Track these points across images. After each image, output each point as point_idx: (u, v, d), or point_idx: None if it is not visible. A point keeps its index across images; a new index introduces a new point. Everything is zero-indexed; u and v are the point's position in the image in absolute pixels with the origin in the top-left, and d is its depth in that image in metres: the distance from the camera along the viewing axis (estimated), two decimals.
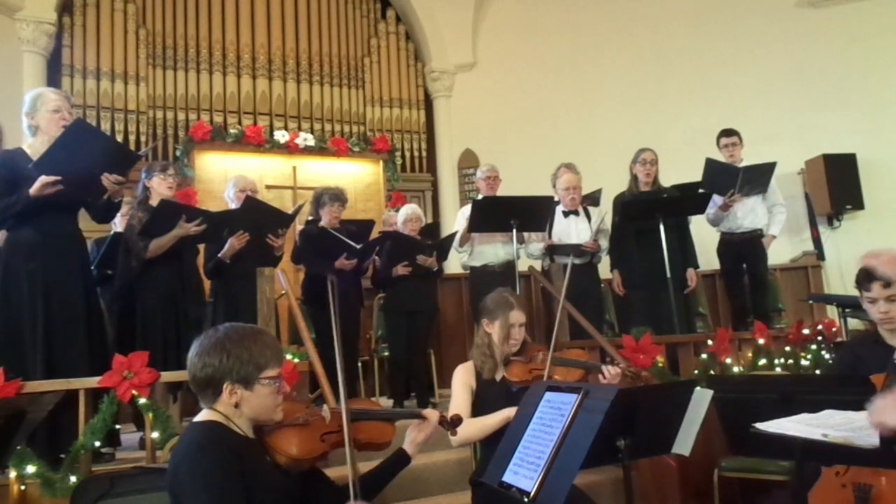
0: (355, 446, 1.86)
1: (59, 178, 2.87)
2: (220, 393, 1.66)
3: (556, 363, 2.60)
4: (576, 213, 4.76)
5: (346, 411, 1.86)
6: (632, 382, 2.76)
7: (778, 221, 5.09)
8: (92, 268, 4.09)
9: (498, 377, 2.57)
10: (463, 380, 2.56)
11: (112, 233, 4.25)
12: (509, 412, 2.36)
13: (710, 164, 4.85)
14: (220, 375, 1.65)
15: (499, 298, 2.62)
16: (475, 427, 2.43)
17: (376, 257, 4.72)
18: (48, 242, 3.03)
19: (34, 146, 3.04)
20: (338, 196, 4.58)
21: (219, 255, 3.97)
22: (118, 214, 3.78)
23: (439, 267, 4.81)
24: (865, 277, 2.43)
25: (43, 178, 2.85)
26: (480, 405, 2.49)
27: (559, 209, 4.76)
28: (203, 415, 1.69)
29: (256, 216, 3.98)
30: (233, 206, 4.24)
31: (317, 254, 4.47)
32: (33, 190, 2.86)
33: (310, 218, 4.74)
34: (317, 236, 4.44)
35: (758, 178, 4.88)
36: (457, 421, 2.13)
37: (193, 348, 1.70)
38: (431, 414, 2.05)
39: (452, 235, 4.83)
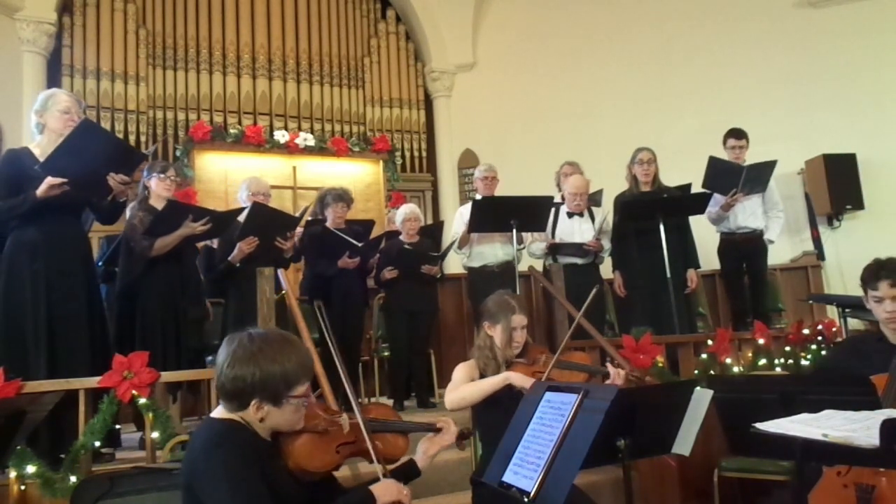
0: (368, 459, 1.85)
1: (65, 180, 2.88)
2: (246, 406, 1.62)
3: (560, 367, 2.59)
4: (580, 214, 4.76)
5: (365, 422, 1.85)
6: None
7: (776, 226, 5.08)
8: (100, 264, 4.12)
9: None
10: (466, 373, 2.57)
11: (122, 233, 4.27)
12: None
13: (714, 163, 4.84)
14: (250, 391, 1.60)
15: (500, 301, 2.61)
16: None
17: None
18: (52, 243, 3.04)
19: (41, 145, 3.07)
20: (342, 196, 4.59)
21: (229, 258, 4.00)
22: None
23: (441, 273, 4.83)
24: (872, 276, 2.41)
25: (49, 180, 2.87)
26: (484, 403, 2.50)
27: (563, 209, 4.76)
28: (222, 412, 1.66)
29: (264, 221, 4.03)
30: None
31: (320, 253, 4.48)
32: (40, 191, 2.88)
33: (310, 218, 4.74)
34: (319, 235, 4.45)
35: (759, 177, 4.87)
36: (467, 434, 2.11)
37: (223, 353, 1.64)
38: (448, 426, 2.01)
39: (451, 244, 4.84)
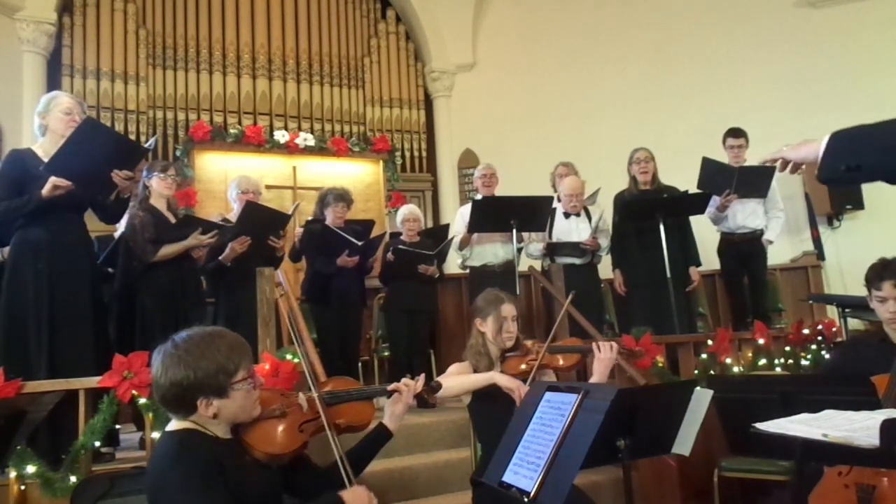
0: (336, 432, 1.85)
1: (69, 183, 2.90)
2: (194, 409, 1.61)
3: (551, 351, 2.62)
4: (577, 214, 4.76)
5: (320, 396, 1.87)
6: (627, 360, 2.79)
7: (775, 227, 5.08)
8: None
9: None
10: (458, 371, 2.59)
11: (120, 233, 4.27)
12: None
13: (707, 164, 4.85)
14: (191, 393, 1.58)
15: (488, 296, 2.66)
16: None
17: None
18: (56, 242, 3.05)
19: (44, 146, 3.09)
20: (342, 196, 4.59)
21: (219, 257, 4.00)
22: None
23: (440, 273, 4.83)
24: (876, 276, 2.41)
25: (54, 180, 2.88)
26: (483, 399, 2.50)
27: (559, 210, 4.76)
28: (175, 424, 1.64)
29: (257, 220, 4.04)
30: (235, 206, 4.32)
31: (319, 251, 4.48)
32: (45, 191, 2.90)
33: (310, 218, 4.74)
34: (319, 233, 4.45)
35: (756, 181, 4.85)
36: (436, 387, 2.16)
37: (155, 366, 1.63)
38: (405, 386, 2.03)
39: (449, 242, 4.84)
